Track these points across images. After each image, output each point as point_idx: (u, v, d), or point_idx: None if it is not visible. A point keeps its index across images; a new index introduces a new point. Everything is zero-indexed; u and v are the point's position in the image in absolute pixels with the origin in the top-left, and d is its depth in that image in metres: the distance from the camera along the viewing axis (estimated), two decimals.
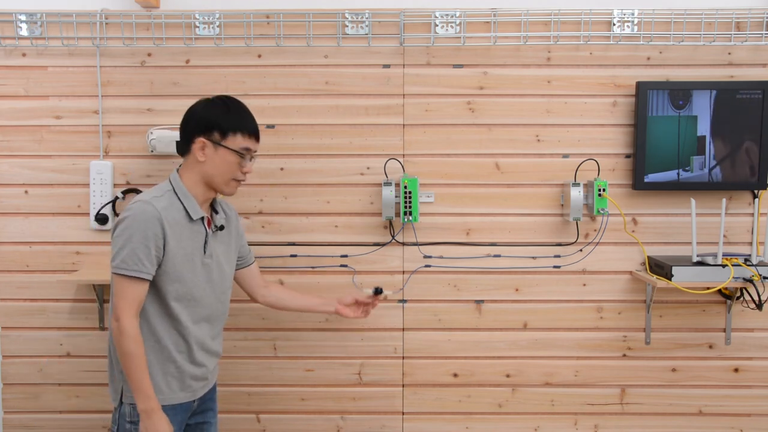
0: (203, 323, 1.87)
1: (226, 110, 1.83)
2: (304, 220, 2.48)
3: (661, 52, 2.43)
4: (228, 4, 2.43)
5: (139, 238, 1.71)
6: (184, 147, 1.85)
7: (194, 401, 1.91)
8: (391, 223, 2.47)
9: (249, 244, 2.48)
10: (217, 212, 1.93)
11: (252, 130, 1.86)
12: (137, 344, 1.72)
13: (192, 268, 1.82)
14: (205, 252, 1.85)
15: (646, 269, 2.44)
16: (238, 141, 1.82)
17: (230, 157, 1.82)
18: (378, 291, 2.20)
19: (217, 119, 1.81)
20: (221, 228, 1.91)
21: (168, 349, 1.81)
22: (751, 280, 2.25)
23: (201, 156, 1.81)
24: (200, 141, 1.81)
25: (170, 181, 1.83)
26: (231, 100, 1.88)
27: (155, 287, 1.78)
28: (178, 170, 1.86)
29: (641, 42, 2.41)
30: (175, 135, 2.30)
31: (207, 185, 1.85)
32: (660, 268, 2.33)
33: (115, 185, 2.46)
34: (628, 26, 2.40)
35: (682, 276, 2.26)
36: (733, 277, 2.25)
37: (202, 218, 1.85)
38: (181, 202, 1.80)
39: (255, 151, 1.88)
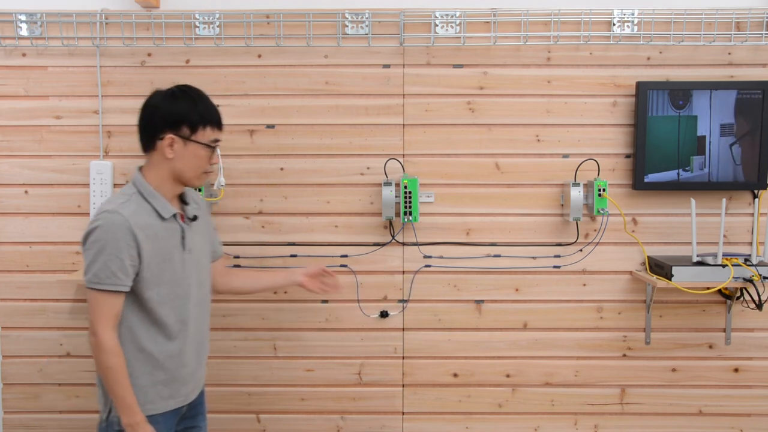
0: (192, 320, 1.82)
1: (192, 103, 1.75)
2: (304, 220, 2.48)
3: (661, 52, 2.43)
4: (228, 4, 2.43)
5: (110, 251, 1.63)
6: (148, 144, 1.76)
7: (184, 406, 1.85)
8: (391, 223, 2.47)
9: (249, 245, 2.49)
10: (187, 204, 1.85)
11: (219, 121, 1.80)
12: (117, 358, 1.67)
13: (172, 267, 1.75)
14: (184, 247, 1.78)
15: (646, 269, 2.44)
16: (207, 134, 1.75)
17: (201, 152, 1.75)
18: (384, 314, 2.42)
19: (186, 113, 1.73)
20: (195, 218, 1.83)
21: (155, 356, 1.74)
22: (751, 280, 2.25)
23: (170, 153, 1.73)
24: (169, 137, 1.72)
25: (134, 184, 1.75)
26: (193, 91, 1.79)
27: (135, 295, 1.71)
28: (140, 169, 1.78)
29: (641, 42, 2.41)
30: None
31: (176, 181, 1.77)
32: (660, 268, 2.33)
33: (115, 185, 2.46)
34: (628, 26, 2.40)
35: (682, 276, 2.26)
36: (733, 277, 2.25)
37: (174, 214, 1.78)
38: (150, 203, 1.72)
39: (220, 141, 1.82)
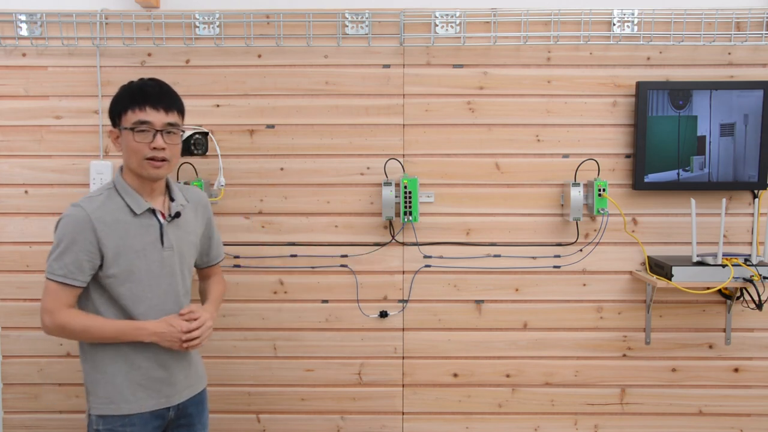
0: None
1: (117, 95, 1.76)
2: (304, 220, 2.48)
3: (661, 52, 2.43)
4: (228, 4, 2.43)
5: (66, 243, 1.67)
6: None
7: (169, 409, 1.79)
8: (391, 223, 2.47)
9: (249, 245, 2.49)
10: (173, 200, 1.82)
11: (140, 101, 1.70)
12: (81, 318, 1.68)
13: (147, 264, 1.73)
14: (163, 244, 1.75)
15: (646, 269, 2.44)
16: (129, 118, 1.71)
17: (128, 137, 1.71)
18: (384, 314, 2.42)
19: (112, 107, 1.76)
20: (177, 215, 1.79)
21: (131, 356, 1.72)
22: (751, 280, 2.25)
23: (117, 147, 1.76)
24: (112, 133, 1.77)
25: (113, 179, 1.77)
26: (129, 84, 1.78)
27: (107, 293, 1.71)
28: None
29: (641, 42, 2.41)
30: None
31: (134, 174, 1.74)
32: (660, 268, 2.33)
33: None
34: (628, 26, 2.40)
35: (682, 276, 2.26)
36: (733, 277, 2.25)
37: (153, 210, 1.76)
38: (122, 198, 1.73)
39: (161, 123, 1.71)
